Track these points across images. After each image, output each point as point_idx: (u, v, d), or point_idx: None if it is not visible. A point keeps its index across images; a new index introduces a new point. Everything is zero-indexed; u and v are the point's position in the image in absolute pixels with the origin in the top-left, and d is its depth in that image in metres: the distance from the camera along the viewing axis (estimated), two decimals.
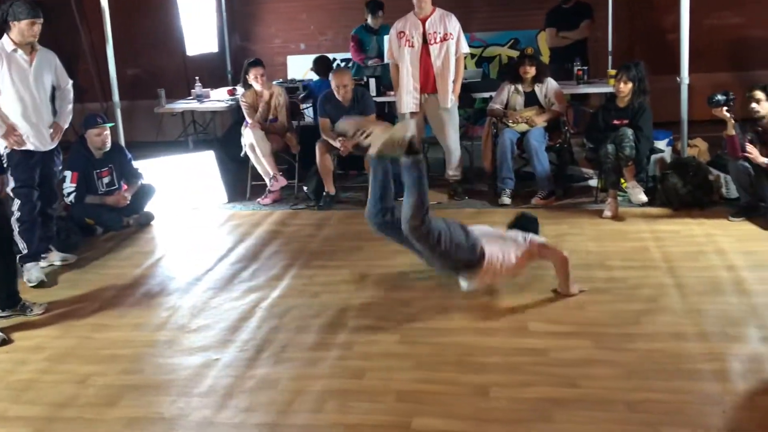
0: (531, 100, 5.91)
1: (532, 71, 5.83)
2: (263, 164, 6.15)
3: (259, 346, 3.56)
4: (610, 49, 8.12)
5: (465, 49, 5.83)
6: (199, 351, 3.55)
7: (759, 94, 4.78)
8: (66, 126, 4.76)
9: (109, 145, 5.58)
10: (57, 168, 4.84)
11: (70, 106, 4.77)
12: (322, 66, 7.14)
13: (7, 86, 4.40)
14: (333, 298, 4.10)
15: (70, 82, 4.78)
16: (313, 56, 7.58)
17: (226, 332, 3.74)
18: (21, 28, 4.33)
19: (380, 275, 4.40)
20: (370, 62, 7.43)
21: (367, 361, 3.33)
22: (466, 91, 6.36)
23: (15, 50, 4.40)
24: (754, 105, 4.81)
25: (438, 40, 5.70)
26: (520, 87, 5.91)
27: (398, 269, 4.38)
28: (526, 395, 2.98)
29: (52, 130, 4.61)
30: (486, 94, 6.63)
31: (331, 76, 5.98)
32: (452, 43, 5.73)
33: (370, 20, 7.56)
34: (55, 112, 4.66)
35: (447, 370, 3.22)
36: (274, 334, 3.68)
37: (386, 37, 6.41)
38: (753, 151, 4.83)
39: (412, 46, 5.72)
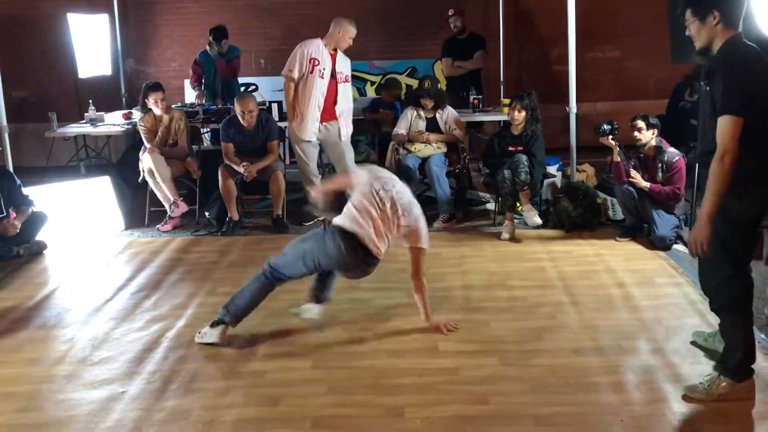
0: (432, 125, 6.10)
1: (430, 104, 6.05)
2: (163, 190, 6.00)
3: (166, 377, 3.47)
4: (501, 78, 8.51)
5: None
6: (102, 384, 3.42)
7: (640, 124, 5.16)
8: None
9: None
10: None
11: None
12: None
13: None
14: (242, 325, 4.00)
15: None
16: None
17: (131, 364, 3.62)
18: None
19: (290, 300, 4.37)
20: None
21: (282, 388, 3.32)
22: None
23: None
24: (636, 133, 5.18)
25: (343, 79, 5.84)
26: (422, 112, 6.10)
27: (307, 294, 4.37)
28: (440, 414, 3.05)
29: None
30: None
31: (235, 102, 5.94)
32: (350, 85, 5.95)
33: (212, 49, 7.46)
34: None
35: (361, 393, 3.25)
36: (182, 365, 3.59)
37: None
38: (636, 176, 5.20)
39: (323, 78, 5.72)
